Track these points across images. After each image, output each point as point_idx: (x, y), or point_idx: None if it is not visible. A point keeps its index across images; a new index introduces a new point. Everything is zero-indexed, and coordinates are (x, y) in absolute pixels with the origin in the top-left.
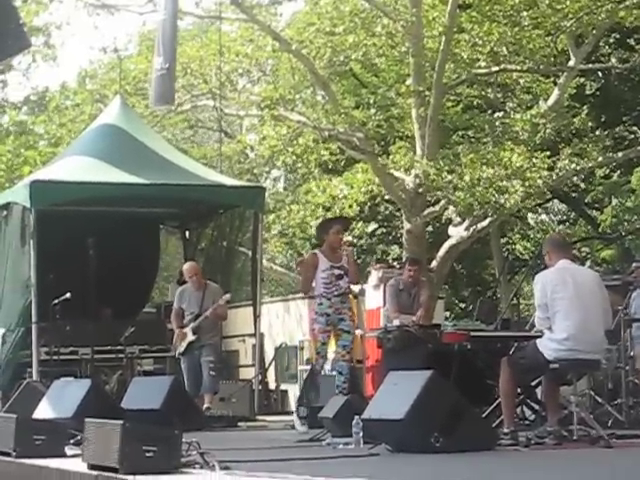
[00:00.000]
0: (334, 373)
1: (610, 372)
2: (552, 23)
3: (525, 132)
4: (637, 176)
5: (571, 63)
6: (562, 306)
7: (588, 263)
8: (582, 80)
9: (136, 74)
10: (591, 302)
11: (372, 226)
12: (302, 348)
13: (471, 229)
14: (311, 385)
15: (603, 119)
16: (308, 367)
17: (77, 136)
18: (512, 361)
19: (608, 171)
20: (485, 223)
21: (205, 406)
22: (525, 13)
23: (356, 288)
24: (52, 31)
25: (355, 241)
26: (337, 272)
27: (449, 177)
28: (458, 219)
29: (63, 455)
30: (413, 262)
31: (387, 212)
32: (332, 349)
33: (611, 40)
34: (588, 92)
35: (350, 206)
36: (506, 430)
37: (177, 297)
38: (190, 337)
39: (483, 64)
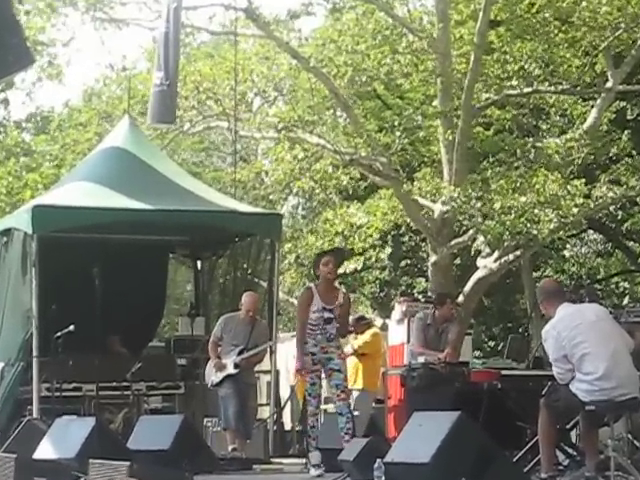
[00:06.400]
0: (356, 413)
1: None
2: (589, 42)
3: (559, 157)
4: None
5: (609, 84)
6: (586, 349)
7: (626, 299)
8: (623, 104)
9: (145, 92)
10: (612, 334)
11: (387, 250)
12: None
13: (501, 261)
14: (312, 428)
15: None
16: (328, 406)
17: (82, 157)
18: (548, 403)
19: None
20: (517, 254)
21: (233, 447)
22: (558, 31)
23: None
24: (57, 48)
25: (377, 273)
26: (327, 316)
27: (478, 205)
28: (487, 250)
29: None
30: (453, 300)
31: (412, 243)
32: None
33: None
34: (629, 117)
35: (370, 235)
36: (544, 475)
37: (220, 325)
38: (231, 370)
39: (515, 83)
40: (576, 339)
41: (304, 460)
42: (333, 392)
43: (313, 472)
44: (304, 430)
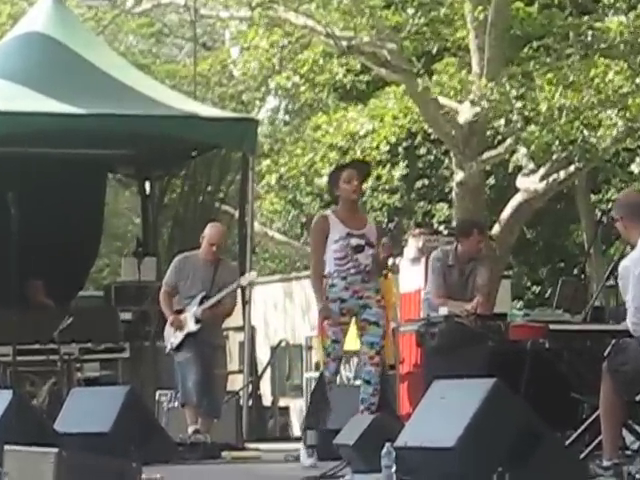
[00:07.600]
0: (358, 382)
1: None
2: None
3: (625, 42)
4: None
5: None
6: None
7: None
8: None
9: None
10: None
11: (401, 169)
12: (310, 348)
13: (549, 180)
14: (321, 401)
15: None
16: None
17: None
18: (612, 367)
19: None
20: (569, 171)
21: (195, 429)
22: None
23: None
24: None
25: (385, 198)
26: (355, 242)
27: (518, 105)
28: (531, 166)
29: None
30: (482, 229)
31: (431, 157)
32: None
33: None
34: None
35: (377, 146)
36: (606, 463)
37: (174, 268)
38: (191, 327)
39: None
40: None
41: (291, 445)
42: (365, 352)
43: (305, 460)
44: (313, 404)
